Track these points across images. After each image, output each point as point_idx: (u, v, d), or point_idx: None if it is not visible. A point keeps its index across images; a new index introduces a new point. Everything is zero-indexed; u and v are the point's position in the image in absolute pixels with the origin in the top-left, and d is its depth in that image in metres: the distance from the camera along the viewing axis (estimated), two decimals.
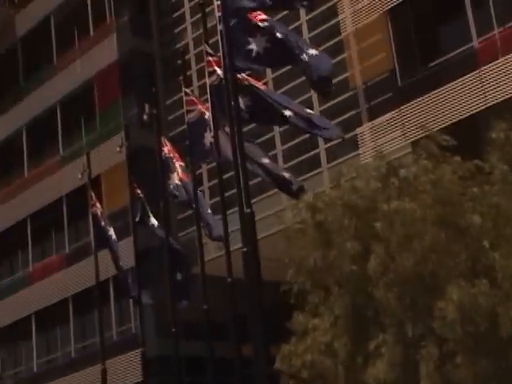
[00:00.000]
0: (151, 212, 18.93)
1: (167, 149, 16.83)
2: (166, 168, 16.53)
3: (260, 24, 10.48)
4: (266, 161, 13.03)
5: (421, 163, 13.43)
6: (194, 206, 15.73)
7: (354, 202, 13.02)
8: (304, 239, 13.27)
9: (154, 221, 18.76)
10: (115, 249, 21.10)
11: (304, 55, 10.35)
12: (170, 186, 16.42)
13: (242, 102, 11.29)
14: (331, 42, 26.37)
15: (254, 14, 10.59)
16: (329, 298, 13.09)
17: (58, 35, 36.37)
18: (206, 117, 14.23)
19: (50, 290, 34.58)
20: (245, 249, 10.19)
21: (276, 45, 10.45)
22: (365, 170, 13.76)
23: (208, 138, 14.38)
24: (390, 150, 17.83)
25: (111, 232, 21.20)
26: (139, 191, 19.12)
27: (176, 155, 16.73)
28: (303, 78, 26.19)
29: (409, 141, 22.40)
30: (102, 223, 21.40)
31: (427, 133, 14.56)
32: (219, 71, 12.37)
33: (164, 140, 17.11)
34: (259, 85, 12.23)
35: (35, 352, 35.41)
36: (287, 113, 11.58)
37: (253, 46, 10.47)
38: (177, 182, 16.21)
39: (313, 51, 10.68)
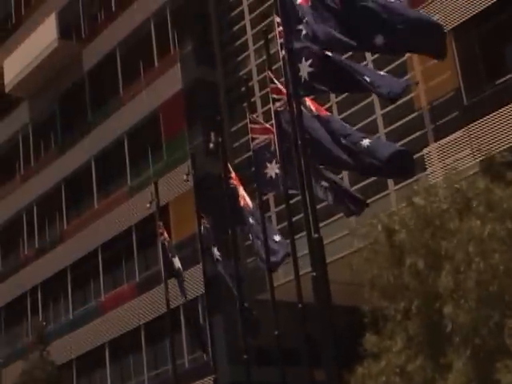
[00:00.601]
0: (216, 241, 18.99)
1: (233, 176, 16.90)
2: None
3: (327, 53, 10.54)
4: (330, 175, 12.89)
5: (488, 181, 13.31)
6: (262, 232, 15.72)
7: (424, 220, 12.91)
8: (377, 259, 13.18)
9: (216, 252, 18.78)
10: (181, 279, 21.23)
11: (366, 77, 10.29)
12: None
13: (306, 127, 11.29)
14: (395, 64, 26.26)
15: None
16: (402, 319, 12.97)
17: (124, 67, 36.96)
18: (272, 146, 14.27)
19: (122, 318, 34.91)
20: (314, 274, 10.15)
21: (337, 70, 10.44)
22: (434, 189, 13.66)
23: (271, 168, 14.44)
24: (459, 169, 17.60)
25: (177, 262, 21.34)
26: (206, 220, 19.22)
27: (240, 183, 16.77)
28: (366, 102, 26.16)
29: (477, 160, 22.13)
30: (169, 254, 21.56)
31: (494, 152, 14.41)
32: (283, 98, 12.42)
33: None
34: (323, 112, 12.16)
35: (109, 381, 35.70)
36: (365, 142, 11.37)
37: (313, 70, 10.49)
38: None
39: (376, 75, 10.58)
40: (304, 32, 9.96)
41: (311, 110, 11.82)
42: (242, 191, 16.74)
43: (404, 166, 11.50)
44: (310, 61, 10.37)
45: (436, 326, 12.72)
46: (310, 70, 10.38)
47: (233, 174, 17.03)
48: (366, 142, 11.23)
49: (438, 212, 13.02)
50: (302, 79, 10.42)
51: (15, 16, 44.67)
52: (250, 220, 16.34)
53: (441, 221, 12.95)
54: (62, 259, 38.64)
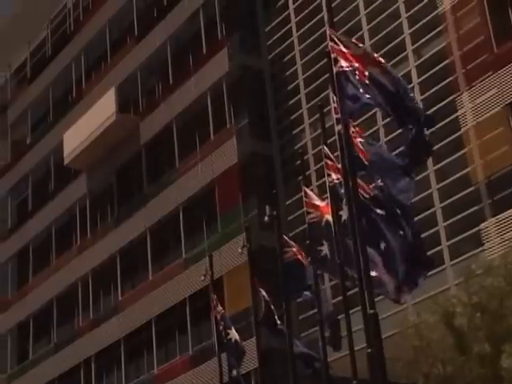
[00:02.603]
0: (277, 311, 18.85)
1: (295, 249, 16.87)
2: (297, 268, 16.49)
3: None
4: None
5: None
6: (317, 305, 15.62)
7: (483, 302, 12.66)
8: (433, 341, 12.92)
9: (278, 322, 18.66)
10: (237, 353, 21.03)
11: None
12: (311, 286, 16.35)
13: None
14: (451, 138, 26.18)
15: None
16: None
17: (180, 140, 37.41)
18: (323, 223, 14.28)
19: None
20: (369, 350, 10.00)
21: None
22: (492, 266, 13.42)
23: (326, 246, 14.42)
24: None
25: (233, 335, 21.19)
26: (263, 291, 19.12)
27: (303, 256, 16.71)
28: (422, 176, 26.02)
29: None
30: (221, 328, 21.43)
31: None
32: (336, 175, 12.45)
33: (289, 241, 17.17)
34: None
35: None
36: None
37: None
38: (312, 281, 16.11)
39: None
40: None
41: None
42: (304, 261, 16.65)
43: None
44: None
45: None
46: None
47: (295, 248, 16.98)
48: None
49: (498, 292, 12.77)
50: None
51: (76, 90, 45.71)
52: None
53: (500, 301, 12.70)
54: (116, 331, 38.68)
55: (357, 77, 10.13)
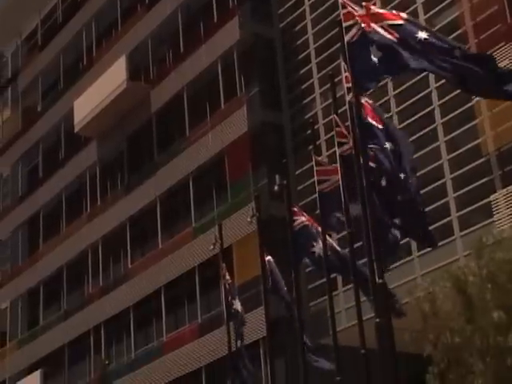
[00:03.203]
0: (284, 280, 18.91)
1: (305, 218, 16.80)
2: (308, 236, 16.46)
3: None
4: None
5: None
6: (326, 275, 15.65)
7: (494, 273, 12.66)
8: (442, 310, 12.95)
9: (285, 290, 18.71)
10: (239, 322, 21.15)
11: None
12: (314, 253, 16.35)
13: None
14: (462, 109, 26.08)
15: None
16: (468, 375, 12.68)
17: (191, 109, 37.37)
18: (336, 191, 14.19)
19: (183, 360, 34.92)
20: (378, 320, 10.04)
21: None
22: (502, 238, 13.41)
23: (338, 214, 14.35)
24: None
25: (236, 305, 21.29)
26: (271, 259, 19.16)
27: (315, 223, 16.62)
28: (432, 147, 25.94)
29: None
30: (230, 298, 21.53)
31: None
32: (349, 142, 12.38)
33: (299, 209, 17.13)
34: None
35: None
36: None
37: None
38: (319, 251, 16.09)
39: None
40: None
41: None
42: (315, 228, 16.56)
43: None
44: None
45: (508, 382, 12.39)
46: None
47: (306, 216, 16.90)
48: None
49: (507, 265, 12.78)
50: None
51: (86, 57, 45.63)
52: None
53: (509, 274, 12.69)
54: (126, 298, 38.91)
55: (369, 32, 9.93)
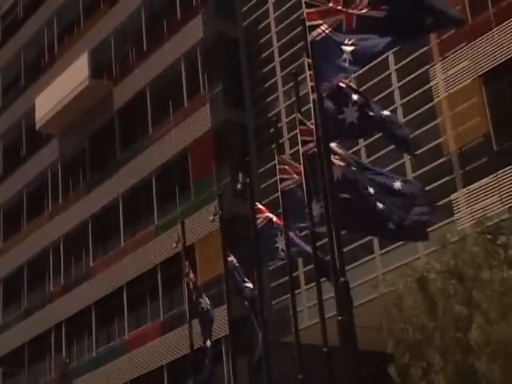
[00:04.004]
0: (247, 277, 18.91)
1: (268, 214, 16.79)
2: (267, 233, 16.46)
3: (353, 96, 10.45)
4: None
5: None
6: (288, 273, 15.69)
7: (458, 269, 12.76)
8: (405, 307, 13.03)
9: (249, 284, 18.70)
10: (207, 321, 21.11)
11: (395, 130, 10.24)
12: (278, 248, 16.35)
13: (336, 173, 11.28)
14: (424, 108, 26.28)
15: (345, 82, 10.60)
16: (430, 372, 12.77)
17: (154, 107, 37.25)
18: (299, 191, 14.22)
19: (145, 358, 34.81)
20: (340, 318, 10.07)
21: (367, 119, 10.40)
22: (465, 235, 13.53)
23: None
24: (487, 215, 17.49)
25: (203, 303, 21.25)
26: (234, 259, 19.16)
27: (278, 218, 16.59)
28: (389, 148, 26.12)
29: (506, 206, 21.99)
30: (194, 295, 21.47)
31: None
32: (312, 141, 12.40)
33: (261, 207, 17.11)
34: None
35: None
36: (397, 184, 11.36)
37: (345, 116, 10.45)
38: (283, 245, 16.09)
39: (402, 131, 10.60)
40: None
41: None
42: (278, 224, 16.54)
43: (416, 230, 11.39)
44: (355, 107, 10.36)
45: (468, 381, 12.48)
46: (357, 114, 10.37)
47: (266, 213, 16.87)
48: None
49: (474, 259, 12.88)
50: (347, 123, 10.41)
51: (48, 54, 45.27)
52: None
53: (473, 271, 12.80)
54: (87, 296, 38.70)
55: (344, 28, 9.95)
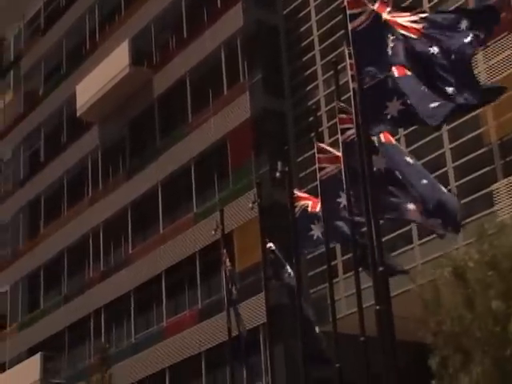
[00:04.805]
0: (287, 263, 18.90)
1: (304, 202, 16.71)
2: (304, 221, 16.42)
3: (398, 82, 10.31)
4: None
5: None
6: (327, 262, 15.65)
7: (496, 260, 12.66)
8: (443, 298, 12.96)
9: (289, 270, 18.67)
10: (237, 311, 21.25)
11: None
12: (313, 236, 16.30)
13: (376, 161, 11.23)
14: None
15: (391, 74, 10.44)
16: (468, 363, 12.69)
17: (193, 95, 37.35)
18: (339, 177, 14.15)
19: (183, 344, 35.02)
20: (378, 307, 10.05)
21: (409, 109, 10.26)
22: (504, 226, 13.41)
23: (342, 198, 14.28)
24: None
25: (234, 293, 21.37)
26: (273, 245, 19.15)
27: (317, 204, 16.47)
28: (435, 135, 25.94)
29: None
30: (230, 285, 21.56)
31: None
32: (351, 129, 12.35)
33: (299, 194, 17.06)
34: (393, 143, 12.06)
35: None
36: (424, 181, 11.32)
37: (388, 111, 10.35)
38: (318, 233, 16.05)
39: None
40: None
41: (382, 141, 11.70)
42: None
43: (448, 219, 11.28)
44: (400, 100, 10.23)
45: (507, 374, 12.40)
46: (401, 108, 10.25)
47: (306, 200, 16.77)
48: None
49: (508, 252, 12.77)
50: (389, 116, 10.31)
51: (89, 42, 45.56)
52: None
53: (510, 263, 12.69)
54: (126, 283, 38.99)
55: (384, 22, 9.86)
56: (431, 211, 11.27)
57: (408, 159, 11.93)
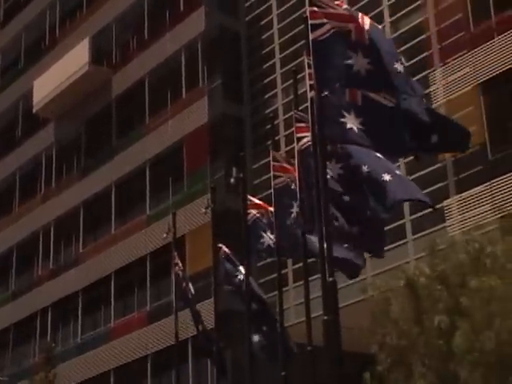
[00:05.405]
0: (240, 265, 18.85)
1: (258, 209, 16.74)
2: (256, 229, 16.45)
3: (357, 101, 10.25)
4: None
5: (507, 240, 13.21)
6: (277, 270, 15.66)
7: (445, 275, 12.78)
8: (393, 310, 13.04)
9: (241, 276, 18.64)
10: (196, 308, 21.17)
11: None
12: (264, 244, 16.34)
13: (332, 170, 11.22)
14: None
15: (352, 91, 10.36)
16: (411, 377, 12.80)
17: (152, 96, 37.21)
18: (292, 187, 14.19)
19: (129, 346, 34.81)
20: (325, 317, 10.07)
21: (371, 127, 10.22)
22: (454, 243, 13.55)
23: (295, 208, 14.32)
24: (478, 223, 17.55)
25: (192, 292, 21.30)
26: (226, 250, 19.10)
27: (269, 212, 16.52)
28: None
29: (497, 216, 22.03)
30: (184, 284, 21.49)
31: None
32: (307, 137, 12.36)
33: (253, 201, 17.07)
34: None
35: None
36: (386, 177, 11.25)
37: (346, 120, 10.33)
38: (269, 241, 16.09)
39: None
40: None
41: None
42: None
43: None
44: (360, 118, 10.18)
45: None
46: (361, 127, 10.20)
47: (258, 208, 16.78)
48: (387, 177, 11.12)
49: (461, 267, 12.91)
50: (347, 128, 10.26)
51: (49, 37, 45.17)
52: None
53: (460, 278, 12.83)
54: (75, 282, 38.67)
55: (353, 37, 9.78)
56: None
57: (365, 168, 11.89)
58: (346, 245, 12.32)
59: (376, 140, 10.00)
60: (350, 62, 9.60)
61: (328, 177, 10.81)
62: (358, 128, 10.08)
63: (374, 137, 10.00)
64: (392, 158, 10.17)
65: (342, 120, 10.25)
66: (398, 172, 11.38)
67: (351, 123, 10.14)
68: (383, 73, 9.46)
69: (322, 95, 10.14)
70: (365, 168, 11.23)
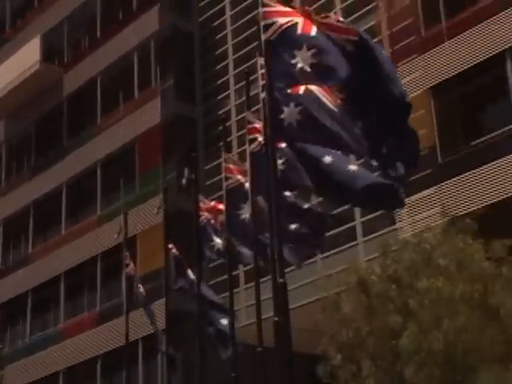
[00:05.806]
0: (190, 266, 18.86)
1: (209, 212, 16.77)
2: (207, 231, 16.49)
3: (300, 93, 10.25)
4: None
5: (450, 242, 13.40)
6: (228, 272, 15.68)
7: (397, 275, 12.93)
8: (344, 308, 13.15)
9: (192, 276, 18.65)
10: (149, 306, 21.14)
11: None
12: (214, 247, 16.39)
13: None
14: None
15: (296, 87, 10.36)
16: (360, 374, 12.91)
17: (104, 96, 37.01)
18: (245, 188, 14.24)
19: (79, 347, 34.56)
20: (276, 318, 10.12)
21: (308, 121, 10.23)
22: (407, 244, 13.72)
23: (246, 210, 14.37)
24: (428, 226, 17.72)
25: (143, 292, 21.25)
26: (176, 251, 19.10)
27: (220, 214, 16.54)
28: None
29: (446, 218, 22.29)
30: (135, 284, 21.43)
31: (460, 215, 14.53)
32: (260, 138, 12.41)
33: (206, 203, 17.08)
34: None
35: None
36: (327, 159, 11.18)
37: (284, 116, 10.36)
38: (219, 246, 16.14)
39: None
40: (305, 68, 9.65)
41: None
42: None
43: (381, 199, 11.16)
44: (299, 107, 10.18)
45: None
46: (299, 117, 10.21)
47: (209, 211, 16.82)
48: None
49: (413, 266, 13.07)
50: (285, 123, 10.25)
51: None
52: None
53: (410, 278, 12.98)
54: (24, 282, 38.29)
55: (299, 31, 9.79)
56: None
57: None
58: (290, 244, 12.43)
59: (317, 134, 10.03)
60: (294, 61, 9.64)
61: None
62: (295, 121, 10.12)
63: (315, 131, 10.03)
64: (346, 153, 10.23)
65: (282, 116, 10.27)
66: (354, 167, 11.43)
67: (289, 116, 10.15)
68: (328, 65, 9.46)
69: (274, 95, 10.16)
70: (327, 159, 11.17)
